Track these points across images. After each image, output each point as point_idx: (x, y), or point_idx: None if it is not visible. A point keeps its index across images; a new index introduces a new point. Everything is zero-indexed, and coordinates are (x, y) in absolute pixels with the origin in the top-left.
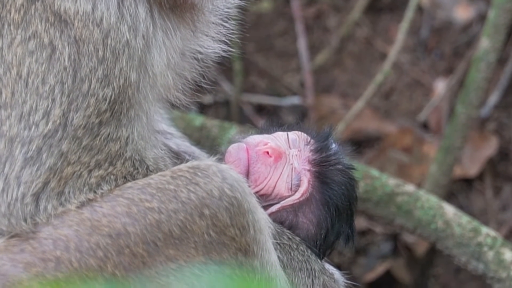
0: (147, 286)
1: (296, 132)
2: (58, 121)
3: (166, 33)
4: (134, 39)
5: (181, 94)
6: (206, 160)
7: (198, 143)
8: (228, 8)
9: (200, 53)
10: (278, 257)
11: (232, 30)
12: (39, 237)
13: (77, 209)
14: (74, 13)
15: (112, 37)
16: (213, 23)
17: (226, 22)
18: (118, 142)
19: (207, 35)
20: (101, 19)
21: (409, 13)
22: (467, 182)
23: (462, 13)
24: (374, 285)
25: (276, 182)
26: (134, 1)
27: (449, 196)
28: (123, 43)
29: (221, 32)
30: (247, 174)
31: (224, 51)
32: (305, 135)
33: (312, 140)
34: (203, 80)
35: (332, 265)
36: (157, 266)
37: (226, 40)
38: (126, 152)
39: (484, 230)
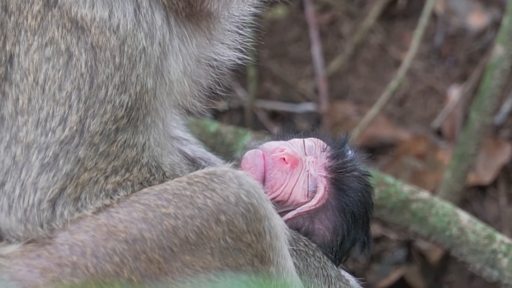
0: None
1: (312, 138)
2: (75, 128)
3: (182, 40)
4: (150, 46)
5: (196, 101)
6: (222, 166)
7: (213, 149)
8: (244, 15)
9: (216, 60)
10: (294, 263)
11: (247, 37)
12: (55, 242)
13: (94, 215)
14: (91, 20)
15: (129, 44)
16: (229, 30)
17: (242, 29)
18: (135, 149)
19: (222, 43)
20: (118, 26)
21: (423, 20)
22: (481, 189)
23: (477, 20)
24: None
25: (293, 188)
26: (151, 8)
27: (463, 203)
28: (140, 50)
29: (236, 40)
30: (264, 181)
31: (239, 58)
32: (321, 141)
33: (328, 147)
34: (218, 87)
35: (347, 271)
36: (173, 272)
37: (241, 48)
38: (142, 158)
39: (499, 237)
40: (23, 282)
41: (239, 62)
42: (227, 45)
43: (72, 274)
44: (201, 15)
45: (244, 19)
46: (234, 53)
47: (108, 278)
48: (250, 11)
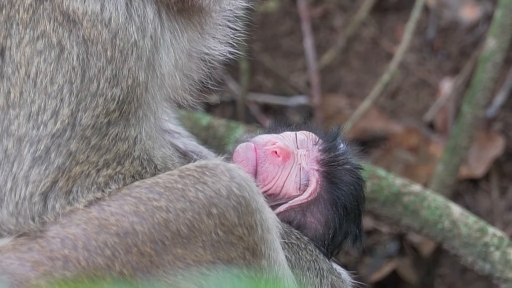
0: (155, 285)
1: (304, 132)
2: (66, 121)
3: (173, 34)
4: (142, 39)
5: (188, 95)
6: (214, 159)
7: (205, 142)
8: (236, 9)
9: (207, 54)
10: (286, 256)
11: (239, 31)
12: (47, 236)
13: (85, 208)
14: (82, 13)
15: (121, 37)
16: (220, 25)
17: (233, 23)
18: (127, 142)
19: (214, 37)
20: (110, 20)
21: (416, 13)
22: (473, 182)
23: (469, 13)
24: (380, 285)
25: (284, 181)
26: (142, 2)
27: (455, 196)
28: (131, 43)
29: (228, 34)
30: (255, 174)
31: (231, 52)
32: (313, 135)
33: (320, 140)
34: (209, 81)
35: (339, 265)
36: (165, 265)
37: (233, 42)
38: (134, 151)
39: (491, 230)
40: (15, 276)
41: (231, 56)
42: (218, 39)
43: (63, 268)
44: (192, 10)
45: (236, 13)
46: (225, 47)
47: (99, 271)
48: (242, 5)
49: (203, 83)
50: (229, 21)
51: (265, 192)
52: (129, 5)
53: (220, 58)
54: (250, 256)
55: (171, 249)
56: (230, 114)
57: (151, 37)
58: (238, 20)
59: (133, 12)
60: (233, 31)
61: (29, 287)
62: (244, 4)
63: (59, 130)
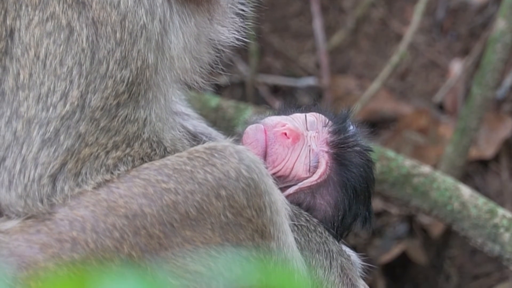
0: (163, 267)
1: (314, 113)
2: (76, 103)
3: (182, 18)
4: (151, 22)
5: (197, 77)
6: (223, 141)
7: (214, 124)
8: None
9: (215, 40)
10: (296, 239)
11: (248, 17)
12: (55, 218)
13: (94, 190)
14: None
15: (130, 19)
16: (229, 12)
17: (242, 10)
18: (136, 124)
19: (222, 25)
20: (119, 2)
21: None
22: (483, 164)
23: None
24: (390, 267)
25: (294, 163)
26: None
27: (465, 178)
28: (141, 26)
29: (236, 22)
30: (265, 156)
31: (238, 39)
32: (323, 116)
33: (330, 122)
34: (219, 63)
35: (348, 246)
36: (173, 247)
37: (241, 29)
38: (143, 133)
39: (501, 211)
40: (23, 258)
41: (239, 42)
42: (227, 26)
43: (72, 250)
44: (201, 0)
45: (245, 2)
46: (234, 34)
47: (108, 253)
48: None
49: (212, 66)
50: (237, 8)
51: (274, 174)
52: None
53: (228, 44)
54: (259, 238)
55: (180, 231)
56: (239, 96)
57: (160, 20)
58: (247, 6)
59: None
60: (241, 18)
61: (37, 269)
62: None
63: (69, 112)
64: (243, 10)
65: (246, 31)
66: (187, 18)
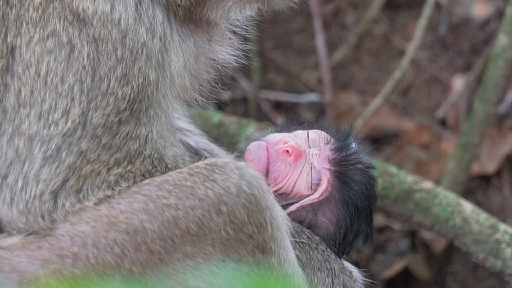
0: (164, 283)
1: (316, 130)
2: (77, 120)
3: (181, 37)
4: (151, 40)
5: (197, 95)
6: (223, 157)
7: (216, 140)
8: (244, 19)
9: (214, 60)
10: (297, 255)
11: (248, 38)
12: (56, 234)
13: (95, 206)
14: (92, 13)
15: (130, 37)
16: (228, 34)
17: (242, 31)
18: (138, 141)
19: (221, 45)
20: (119, 20)
21: (427, 10)
22: (485, 179)
23: (480, 10)
24: (392, 282)
25: (296, 181)
26: (152, 5)
27: (467, 193)
28: (141, 44)
29: (234, 44)
30: (267, 173)
31: (238, 60)
32: (325, 133)
33: (332, 139)
34: (219, 82)
35: (350, 262)
36: (174, 263)
37: (240, 50)
38: (145, 150)
39: (502, 227)
40: (24, 274)
41: (238, 63)
42: (226, 48)
43: (73, 265)
44: (200, 21)
45: (244, 22)
46: (233, 54)
47: (109, 269)
48: (250, 15)
49: (212, 84)
50: (237, 28)
51: (276, 191)
52: (138, 6)
53: (228, 64)
54: (260, 254)
55: (181, 247)
56: (241, 112)
57: (160, 39)
58: (246, 26)
59: (143, 13)
60: (241, 38)
61: (39, 285)
62: (253, 15)
63: (70, 129)
64: (243, 30)
65: (246, 50)
66: (187, 38)
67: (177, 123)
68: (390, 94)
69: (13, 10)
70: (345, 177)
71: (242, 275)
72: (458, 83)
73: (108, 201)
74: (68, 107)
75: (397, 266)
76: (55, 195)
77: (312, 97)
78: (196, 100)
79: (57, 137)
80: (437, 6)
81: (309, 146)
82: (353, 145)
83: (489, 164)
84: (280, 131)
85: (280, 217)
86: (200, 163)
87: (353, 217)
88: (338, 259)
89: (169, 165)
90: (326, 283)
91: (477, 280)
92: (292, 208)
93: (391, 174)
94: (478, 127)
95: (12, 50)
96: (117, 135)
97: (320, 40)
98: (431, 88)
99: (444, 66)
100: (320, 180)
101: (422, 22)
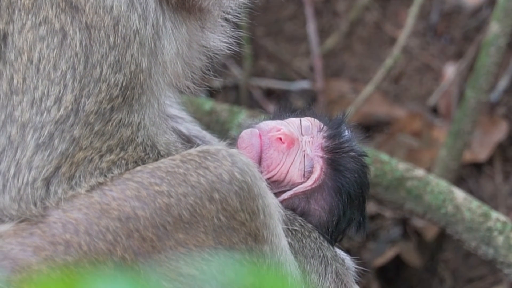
0: (156, 270)
1: (309, 118)
2: (70, 107)
3: (174, 24)
4: (144, 27)
5: (190, 82)
6: (216, 145)
7: (207, 127)
8: (236, 6)
9: (207, 47)
10: (290, 243)
11: (240, 25)
12: (48, 221)
13: (87, 193)
14: (85, 0)
15: (123, 24)
16: (220, 20)
17: (234, 19)
18: (130, 128)
19: (213, 32)
20: (112, 7)
21: None
22: (476, 167)
23: None
24: (384, 270)
25: (289, 168)
26: None
27: (459, 181)
28: (134, 31)
29: (227, 31)
30: (260, 160)
31: (230, 47)
32: (318, 121)
33: (325, 127)
34: (211, 69)
35: (342, 250)
36: (166, 250)
37: (233, 36)
38: (137, 137)
39: (494, 215)
40: (16, 261)
41: (230, 49)
42: (218, 35)
43: (65, 252)
44: (193, 9)
45: (236, 9)
46: (225, 41)
47: (101, 256)
48: (243, 2)
49: (204, 71)
50: (229, 15)
51: (269, 178)
52: None
53: (221, 51)
54: (252, 242)
55: (173, 234)
56: (233, 99)
57: (153, 26)
58: (239, 13)
59: (135, 0)
60: (233, 25)
61: (31, 272)
62: (245, 2)
63: (63, 116)
64: (235, 18)
65: (238, 37)
66: (179, 25)
67: (169, 110)
68: (381, 82)
69: None
70: (338, 165)
71: (234, 263)
72: (450, 70)
73: (101, 188)
74: (60, 94)
75: (389, 254)
76: (47, 182)
77: (303, 84)
78: (188, 87)
79: (49, 124)
80: None
81: (302, 133)
82: (346, 132)
83: (481, 152)
84: (273, 118)
85: (273, 204)
86: (193, 150)
87: (346, 205)
88: (331, 246)
89: (161, 152)
90: (318, 270)
91: (469, 268)
92: (285, 195)
93: (383, 161)
94: (470, 114)
95: (4, 37)
96: (109, 122)
97: (311, 28)
98: (422, 75)
99: (436, 54)
100: (313, 167)
101: (414, 9)
